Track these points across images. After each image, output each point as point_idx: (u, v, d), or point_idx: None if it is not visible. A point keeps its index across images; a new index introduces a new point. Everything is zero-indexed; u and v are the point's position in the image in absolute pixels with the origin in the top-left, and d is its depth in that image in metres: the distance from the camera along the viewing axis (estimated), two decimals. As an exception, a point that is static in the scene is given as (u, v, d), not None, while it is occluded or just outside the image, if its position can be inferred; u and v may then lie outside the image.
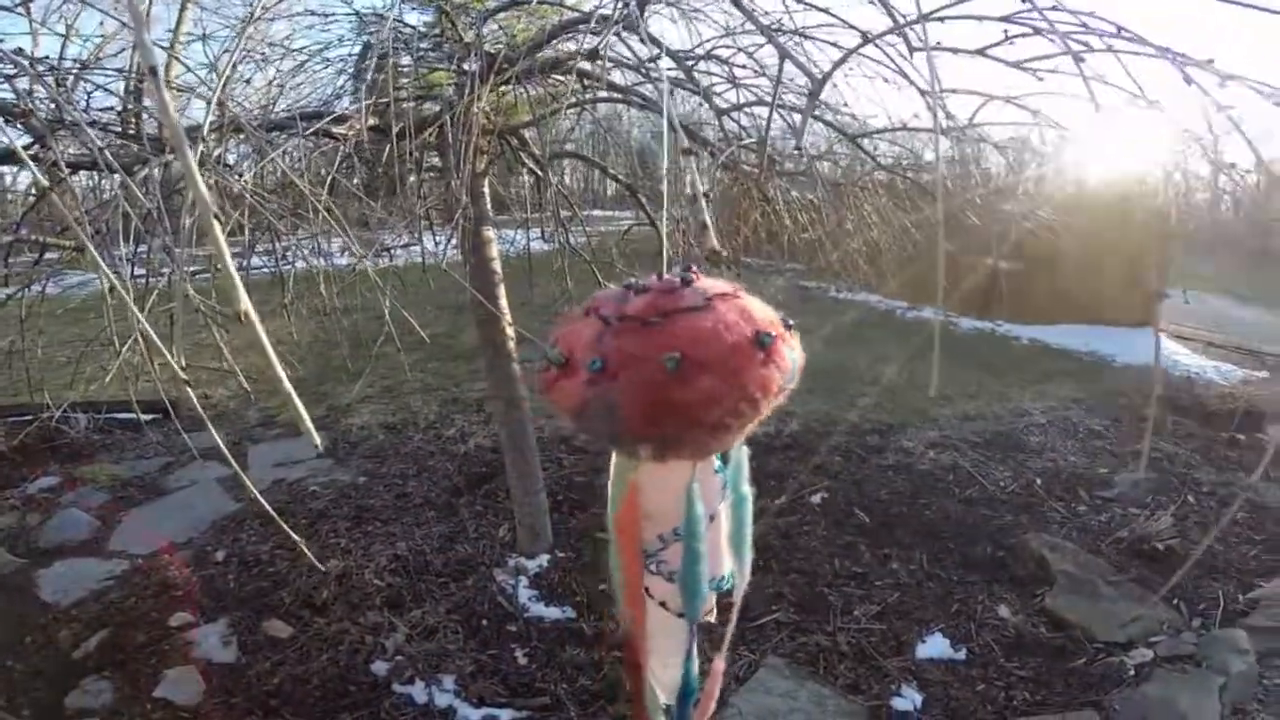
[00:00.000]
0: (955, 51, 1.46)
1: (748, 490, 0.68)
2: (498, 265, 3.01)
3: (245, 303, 0.57)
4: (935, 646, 2.45)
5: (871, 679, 2.31)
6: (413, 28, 2.64)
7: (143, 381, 1.86)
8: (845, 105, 2.54)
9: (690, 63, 2.27)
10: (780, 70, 1.59)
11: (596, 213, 6.45)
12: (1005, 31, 1.38)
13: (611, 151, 3.52)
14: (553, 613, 2.66)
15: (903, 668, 2.36)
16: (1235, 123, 1.00)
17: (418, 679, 2.31)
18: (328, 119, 2.20)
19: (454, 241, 2.56)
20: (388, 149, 2.84)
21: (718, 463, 0.64)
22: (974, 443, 4.38)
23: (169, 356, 0.89)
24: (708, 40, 2.31)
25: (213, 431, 0.97)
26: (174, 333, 1.47)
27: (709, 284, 0.56)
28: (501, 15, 2.64)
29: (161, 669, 2.34)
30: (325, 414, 4.96)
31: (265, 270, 2.65)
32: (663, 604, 0.67)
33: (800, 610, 2.68)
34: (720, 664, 0.75)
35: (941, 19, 1.27)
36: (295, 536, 0.92)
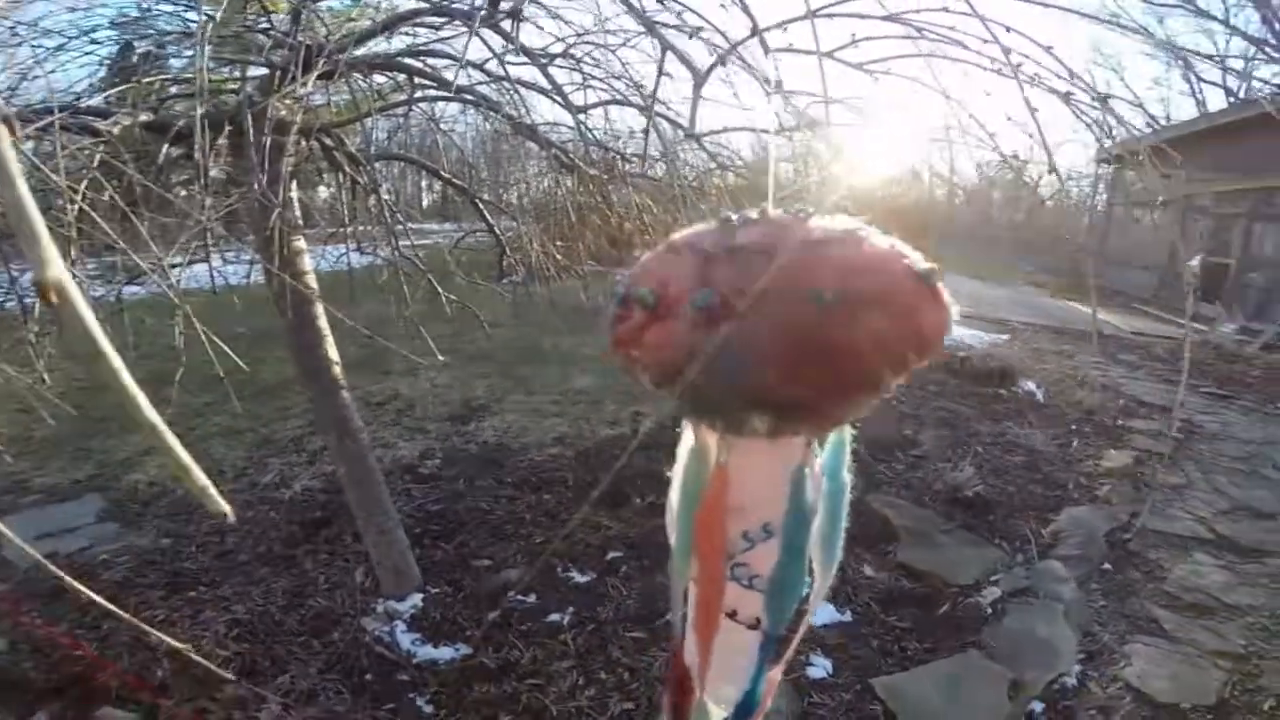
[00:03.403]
0: (808, 53, 1.54)
1: (848, 478, 0.57)
2: (313, 280, 2.65)
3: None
4: (825, 612, 2.58)
5: (778, 655, 2.38)
6: (210, 16, 2.24)
7: None
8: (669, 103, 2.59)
9: (544, 60, 2.18)
10: (661, 62, 1.58)
11: (412, 226, 6.02)
12: (853, 35, 1.48)
13: (443, 154, 3.28)
14: (445, 653, 2.42)
15: (805, 637, 2.45)
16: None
17: (303, 757, 1.98)
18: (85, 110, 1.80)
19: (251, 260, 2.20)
20: (164, 151, 2.39)
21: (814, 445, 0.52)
22: (801, 419, 4.74)
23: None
24: (566, 38, 2.23)
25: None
26: None
27: (829, 219, 0.45)
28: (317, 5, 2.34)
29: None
30: (97, 472, 4.10)
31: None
32: (730, 614, 0.58)
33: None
34: (777, 674, 0.66)
35: (830, 16, 1.32)
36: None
